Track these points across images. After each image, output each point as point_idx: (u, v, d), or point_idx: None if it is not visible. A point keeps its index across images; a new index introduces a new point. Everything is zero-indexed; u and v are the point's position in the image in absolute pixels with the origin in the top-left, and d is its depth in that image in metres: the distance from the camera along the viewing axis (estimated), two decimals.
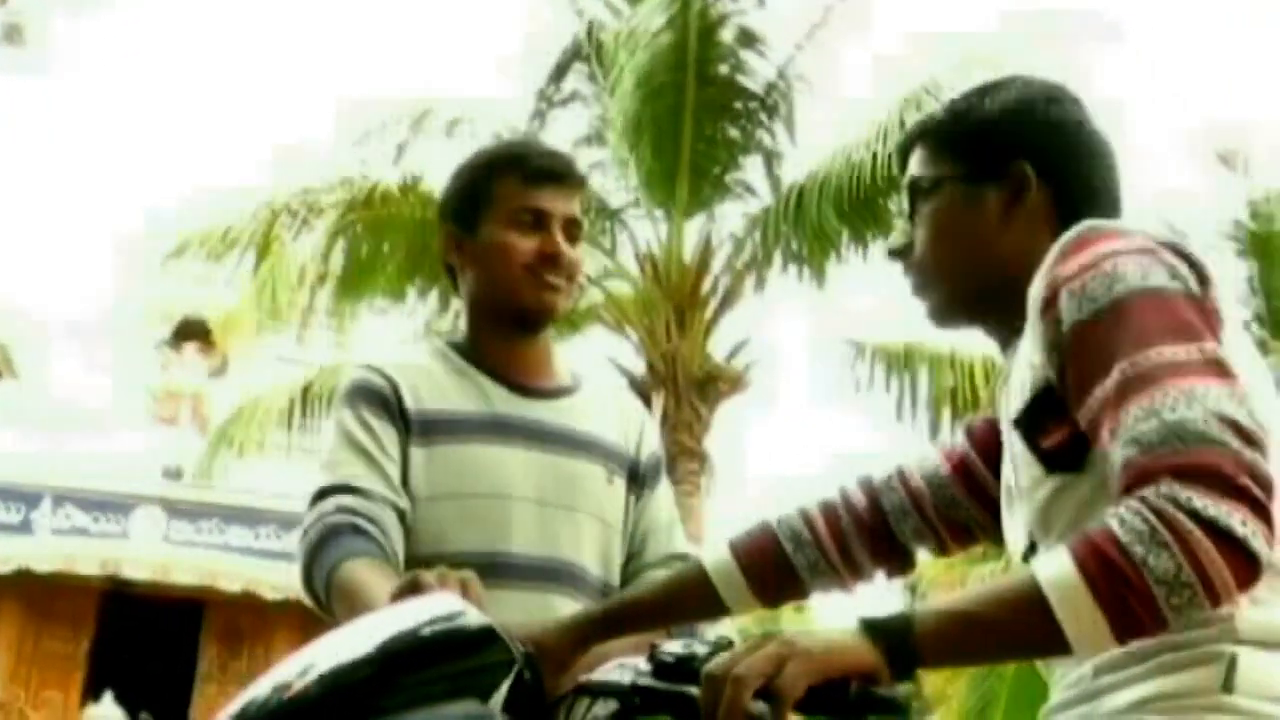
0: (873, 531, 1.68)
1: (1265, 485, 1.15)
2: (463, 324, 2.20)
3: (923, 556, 1.75)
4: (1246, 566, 1.13)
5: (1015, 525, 1.47)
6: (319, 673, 1.22)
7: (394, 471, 1.98)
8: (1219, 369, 1.22)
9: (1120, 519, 1.15)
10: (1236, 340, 1.32)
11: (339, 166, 9.52)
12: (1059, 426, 1.33)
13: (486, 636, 1.27)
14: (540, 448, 2.06)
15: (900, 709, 1.18)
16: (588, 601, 1.99)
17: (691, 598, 1.72)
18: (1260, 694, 1.21)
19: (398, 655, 1.24)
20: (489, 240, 2.08)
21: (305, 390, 10.03)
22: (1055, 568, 1.17)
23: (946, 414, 9.60)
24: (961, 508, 1.66)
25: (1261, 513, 1.13)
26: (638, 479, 2.17)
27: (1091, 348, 1.28)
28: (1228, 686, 1.21)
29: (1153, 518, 1.14)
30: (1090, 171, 1.51)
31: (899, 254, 1.60)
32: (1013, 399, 1.43)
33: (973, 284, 1.52)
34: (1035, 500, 1.39)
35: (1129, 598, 1.14)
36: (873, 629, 1.19)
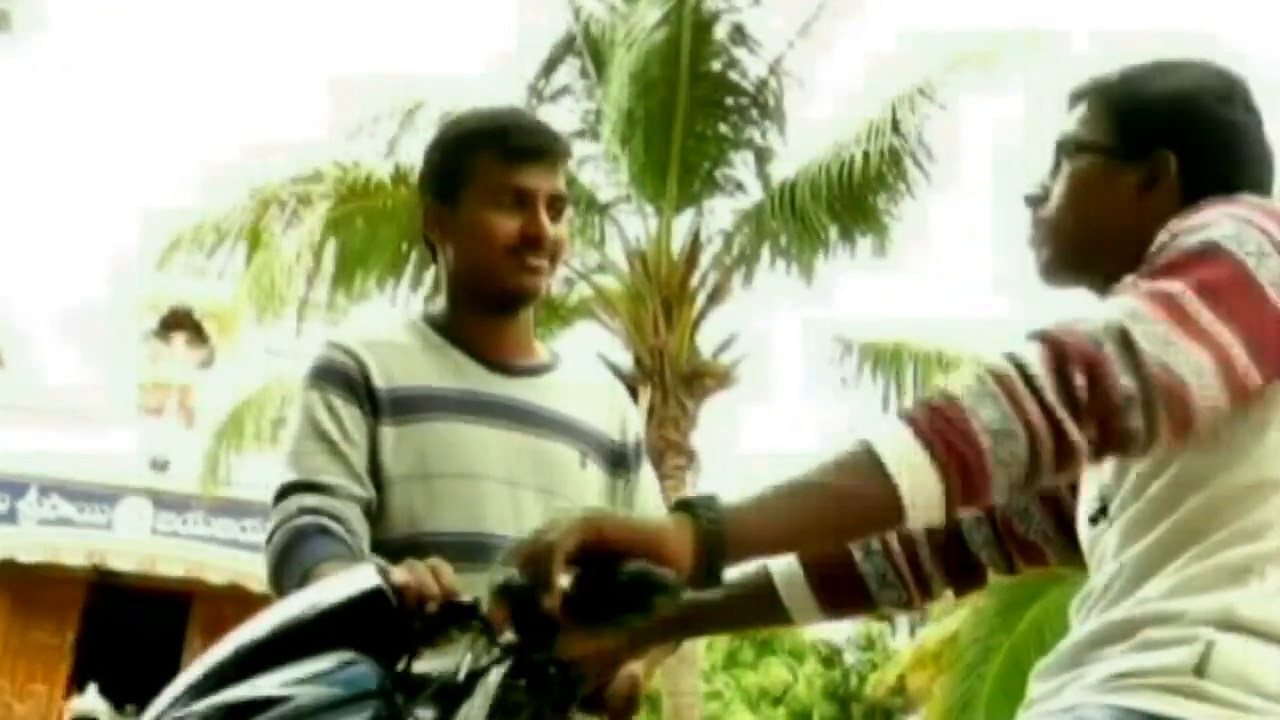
0: (944, 541, 1.66)
1: (1101, 392, 1.16)
2: (441, 298, 2.14)
3: None
4: (1059, 437, 1.16)
5: (1090, 484, 1.46)
6: (234, 642, 1.25)
7: (358, 459, 1.95)
8: (1184, 318, 1.22)
9: (957, 382, 1.19)
10: None
11: (331, 157, 9.50)
12: None
13: (379, 595, 1.26)
14: (515, 427, 2.02)
15: (669, 590, 1.13)
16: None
17: (755, 603, 1.70)
18: (1234, 682, 1.20)
19: (298, 620, 1.26)
20: (469, 218, 2.02)
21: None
22: (885, 426, 1.18)
23: None
24: (1031, 517, 1.63)
25: (1090, 389, 1.16)
26: (623, 464, 2.13)
27: (1148, 263, 1.31)
28: (1200, 670, 1.20)
29: (989, 377, 1.18)
30: (1235, 177, 1.47)
31: (1032, 202, 1.58)
32: None
33: (1087, 251, 1.52)
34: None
35: (956, 444, 1.15)
36: (689, 510, 1.17)
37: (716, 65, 9.55)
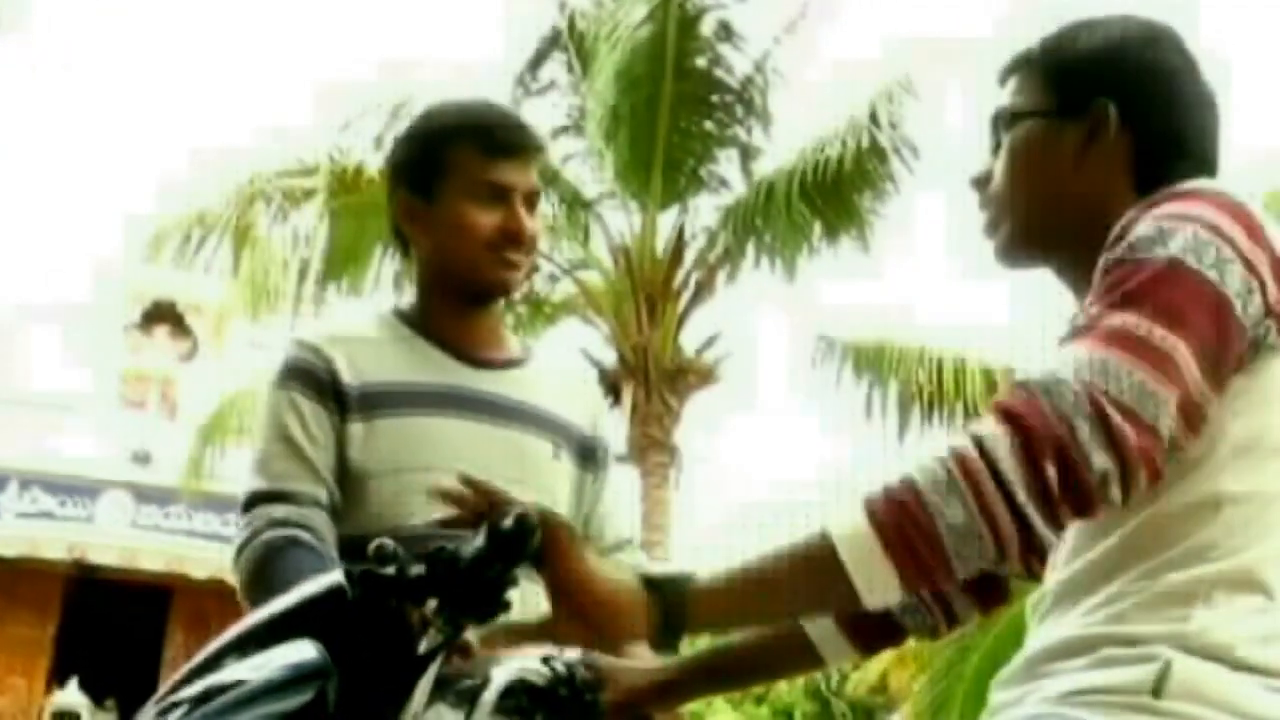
0: None
1: (1070, 479, 1.15)
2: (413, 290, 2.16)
3: None
4: (1025, 535, 1.15)
5: None
6: (217, 641, 1.36)
7: (323, 459, 1.97)
8: (1161, 362, 1.20)
9: (922, 465, 1.18)
10: None
11: (317, 151, 9.47)
12: None
13: (339, 590, 1.32)
14: (486, 419, 2.03)
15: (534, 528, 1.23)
16: (531, 576, 1.97)
17: (787, 649, 1.71)
18: (1190, 698, 1.20)
19: (270, 617, 1.36)
20: (448, 212, 2.03)
21: None
22: (846, 515, 1.19)
23: (915, 411, 9.63)
24: None
25: (1046, 499, 1.15)
26: (594, 459, 2.14)
27: (1099, 287, 1.28)
28: (1157, 690, 1.20)
29: (955, 466, 1.16)
30: (1179, 121, 1.45)
31: (978, 184, 1.55)
32: None
33: (1041, 221, 1.48)
34: None
35: (917, 541, 1.16)
36: (652, 585, 1.22)
37: (702, 62, 9.56)
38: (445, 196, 2.03)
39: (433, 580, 1.28)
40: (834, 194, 8.98)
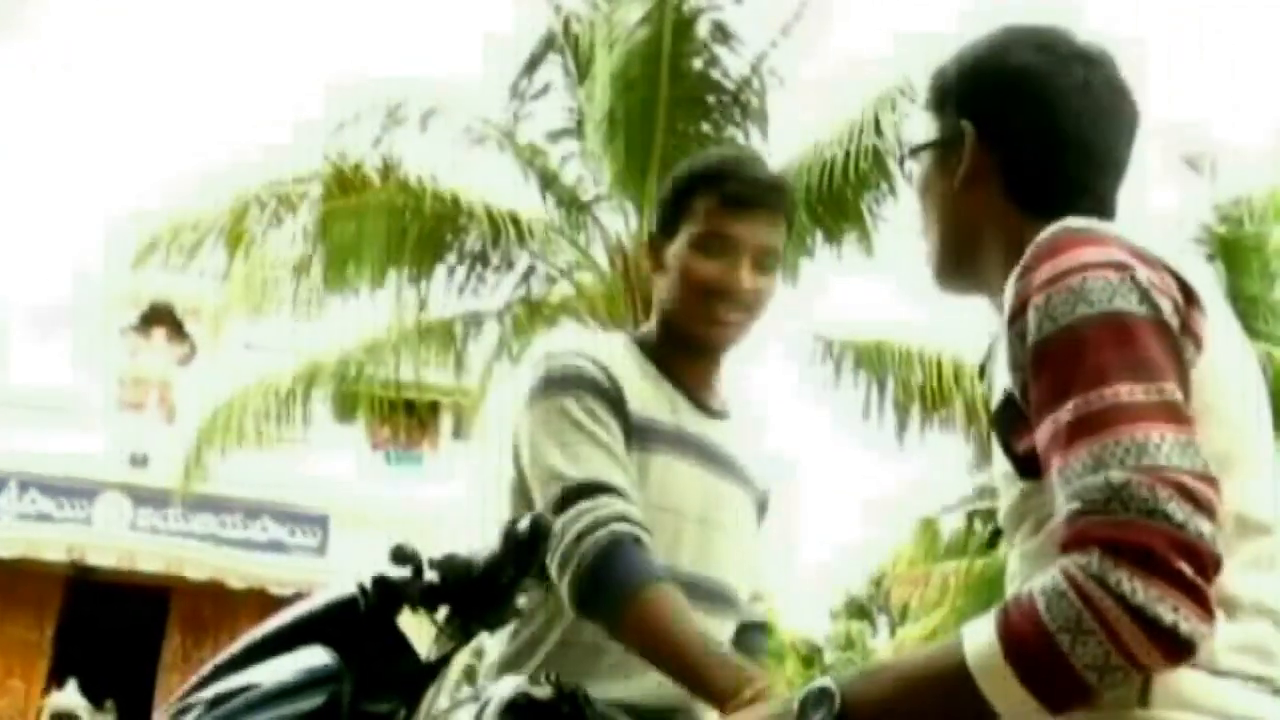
0: None
1: (1201, 561, 1.14)
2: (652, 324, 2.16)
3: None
4: (1176, 649, 1.14)
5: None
6: (236, 645, 1.44)
7: (633, 472, 1.92)
8: (1173, 413, 1.19)
9: (1048, 601, 1.16)
10: (1224, 353, 1.30)
11: (313, 155, 9.46)
12: (1028, 433, 1.29)
13: (352, 601, 1.36)
14: (708, 467, 2.04)
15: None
16: (735, 623, 2.04)
17: None
18: (1175, 704, 1.21)
19: (287, 624, 1.41)
20: (676, 255, 2.05)
21: (304, 380, 10.04)
22: (985, 650, 1.19)
23: (915, 411, 9.64)
24: None
25: (1193, 593, 1.13)
26: (765, 512, 2.19)
27: (1049, 373, 1.25)
28: (1144, 701, 1.21)
29: (1079, 603, 1.14)
30: (1049, 119, 1.44)
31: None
32: (994, 388, 1.40)
33: (947, 251, 1.50)
34: (1007, 496, 1.38)
35: (1059, 681, 1.16)
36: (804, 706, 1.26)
37: (698, 63, 9.54)
38: (679, 239, 2.05)
39: (445, 588, 1.29)
40: (832, 197, 8.98)
